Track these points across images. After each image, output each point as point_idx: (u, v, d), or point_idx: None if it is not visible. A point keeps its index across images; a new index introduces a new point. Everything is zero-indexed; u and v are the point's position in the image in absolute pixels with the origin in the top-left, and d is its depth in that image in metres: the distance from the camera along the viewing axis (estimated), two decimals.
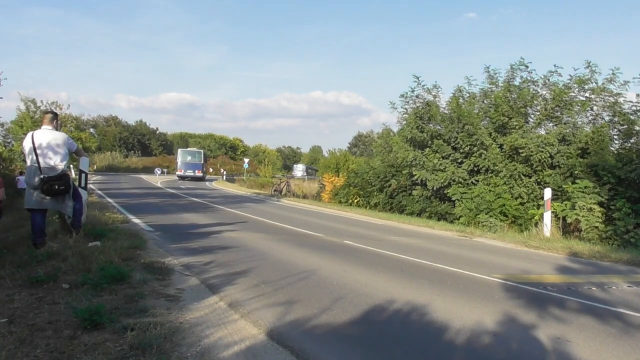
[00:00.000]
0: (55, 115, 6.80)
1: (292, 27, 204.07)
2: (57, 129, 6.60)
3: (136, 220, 10.58)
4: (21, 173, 20.49)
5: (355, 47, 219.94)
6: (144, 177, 43.54)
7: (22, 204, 6.52)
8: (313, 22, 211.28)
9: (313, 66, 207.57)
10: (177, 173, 40.46)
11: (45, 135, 6.36)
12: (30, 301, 3.98)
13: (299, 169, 67.21)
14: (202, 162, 41.07)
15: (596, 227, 11.73)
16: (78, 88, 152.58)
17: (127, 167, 59.61)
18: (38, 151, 6.19)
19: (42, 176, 6.11)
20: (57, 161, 6.28)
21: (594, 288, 5.73)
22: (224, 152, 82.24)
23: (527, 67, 15.51)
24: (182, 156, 41.13)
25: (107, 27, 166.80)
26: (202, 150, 44.34)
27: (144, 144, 75.96)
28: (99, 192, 20.38)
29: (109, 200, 16.37)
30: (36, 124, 27.87)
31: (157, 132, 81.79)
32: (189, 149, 46.69)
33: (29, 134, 6.49)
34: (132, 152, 71.30)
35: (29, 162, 6.27)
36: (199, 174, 39.67)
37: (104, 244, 6.30)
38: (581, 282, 6.11)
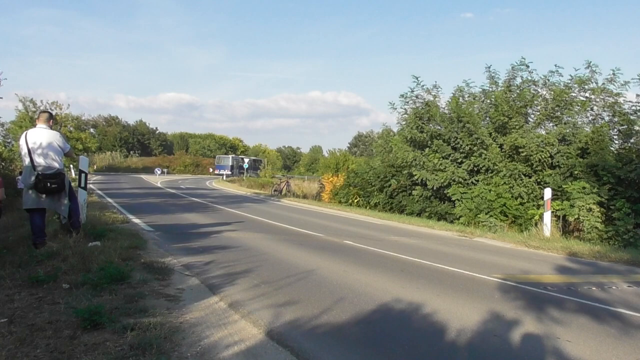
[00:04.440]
0: (51, 115, 6.81)
1: (291, 27, 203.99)
2: (51, 129, 6.61)
3: (136, 220, 10.58)
4: (21, 173, 20.47)
5: (353, 47, 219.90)
6: (144, 177, 43.62)
7: (22, 204, 6.52)
8: (311, 22, 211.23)
9: (311, 66, 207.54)
10: (215, 172, 55.21)
11: (40, 134, 6.36)
12: (30, 301, 3.98)
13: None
14: (231, 164, 56.18)
15: (596, 227, 11.74)
16: (77, 88, 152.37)
17: (127, 167, 59.66)
18: (32, 150, 6.20)
19: (36, 173, 6.12)
20: (51, 160, 6.29)
21: (593, 288, 5.73)
22: (224, 152, 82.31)
23: (527, 67, 15.53)
24: (217, 160, 58.41)
25: (107, 27, 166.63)
26: (230, 156, 60.40)
27: (143, 143, 76.02)
28: (99, 192, 20.39)
29: (109, 200, 16.38)
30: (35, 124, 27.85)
31: (157, 132, 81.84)
32: (222, 155, 62.87)
33: (23, 134, 6.48)
34: (132, 152, 71.36)
35: (25, 162, 6.28)
36: (228, 172, 53.31)
37: (104, 244, 6.30)
38: (581, 282, 6.12)
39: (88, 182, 8.66)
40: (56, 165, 6.33)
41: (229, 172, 53.57)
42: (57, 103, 28.76)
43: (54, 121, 6.85)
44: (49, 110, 7.12)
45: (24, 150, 6.26)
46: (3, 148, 23.59)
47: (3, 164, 17.49)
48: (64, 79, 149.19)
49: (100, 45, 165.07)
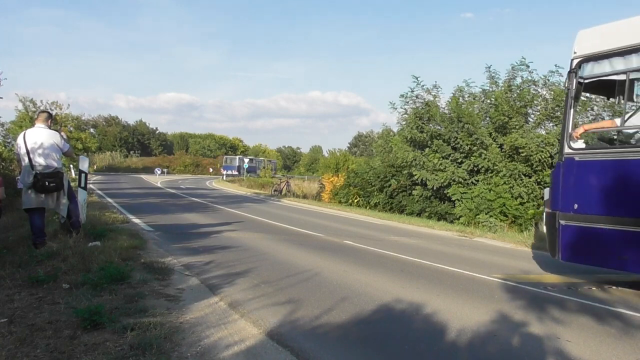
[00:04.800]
0: (50, 114, 6.85)
1: (291, 27, 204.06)
2: (50, 128, 6.63)
3: (136, 220, 10.59)
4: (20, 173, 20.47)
5: (353, 47, 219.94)
6: (144, 177, 43.66)
7: (21, 204, 6.52)
8: (311, 22, 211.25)
9: (311, 66, 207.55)
10: (222, 172, 54.98)
11: (39, 134, 6.38)
12: (30, 301, 3.98)
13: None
14: (238, 165, 57.00)
15: None
16: (77, 88, 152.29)
17: (127, 167, 59.70)
18: (30, 149, 6.21)
19: (34, 172, 6.13)
20: (49, 159, 6.30)
21: (593, 288, 5.73)
22: (224, 152, 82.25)
23: (527, 67, 15.52)
24: (225, 161, 59.03)
25: (107, 27, 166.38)
26: (237, 157, 61.69)
27: (143, 143, 76.05)
28: (99, 192, 20.40)
29: (109, 200, 16.39)
30: None
31: (157, 132, 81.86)
32: (230, 156, 64.18)
33: (21, 134, 6.50)
34: (132, 152, 71.38)
35: (24, 162, 6.29)
36: (235, 172, 54.23)
37: (104, 244, 6.30)
38: (581, 282, 6.11)
39: (88, 182, 8.66)
40: (54, 164, 6.34)
41: (237, 173, 54.40)
42: (57, 103, 28.62)
43: (53, 121, 6.87)
44: (48, 110, 7.16)
45: (23, 150, 6.27)
46: (3, 148, 23.58)
47: (3, 164, 17.49)
48: (64, 79, 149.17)
49: (100, 45, 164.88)
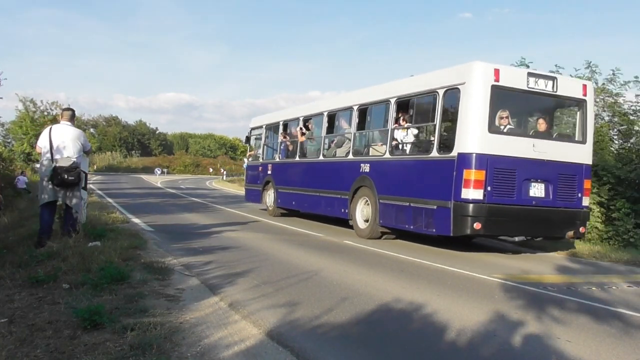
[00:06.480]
0: (74, 113, 7.18)
1: (291, 27, 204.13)
2: (74, 126, 6.98)
3: (136, 220, 10.59)
4: (22, 173, 20.50)
5: (352, 47, 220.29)
6: (144, 177, 43.72)
7: (22, 204, 6.53)
8: (311, 22, 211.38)
9: (310, 66, 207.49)
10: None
11: (65, 131, 6.62)
12: (30, 301, 3.98)
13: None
14: None
15: (596, 228, 11.73)
16: (77, 88, 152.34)
17: (127, 167, 59.77)
18: (54, 144, 6.43)
19: (54, 166, 6.27)
20: (71, 154, 6.51)
21: (593, 288, 5.73)
22: (224, 152, 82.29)
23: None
24: None
25: (107, 27, 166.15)
26: None
27: (143, 144, 76.06)
28: (99, 192, 20.41)
29: (109, 200, 16.39)
30: (36, 124, 27.74)
31: (157, 132, 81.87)
32: None
33: (47, 129, 6.72)
34: (132, 152, 71.40)
35: (46, 156, 6.48)
36: None
37: (104, 244, 6.30)
38: (581, 282, 6.11)
39: (88, 182, 8.66)
40: (75, 160, 6.52)
41: None
42: (57, 103, 28.74)
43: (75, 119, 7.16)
44: (72, 108, 7.41)
45: (46, 145, 6.46)
46: (3, 148, 23.59)
47: (3, 164, 17.49)
48: (64, 79, 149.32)
49: (100, 45, 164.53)
